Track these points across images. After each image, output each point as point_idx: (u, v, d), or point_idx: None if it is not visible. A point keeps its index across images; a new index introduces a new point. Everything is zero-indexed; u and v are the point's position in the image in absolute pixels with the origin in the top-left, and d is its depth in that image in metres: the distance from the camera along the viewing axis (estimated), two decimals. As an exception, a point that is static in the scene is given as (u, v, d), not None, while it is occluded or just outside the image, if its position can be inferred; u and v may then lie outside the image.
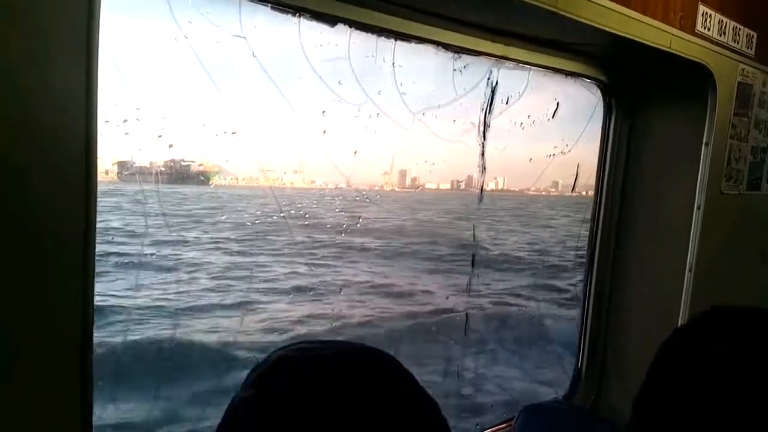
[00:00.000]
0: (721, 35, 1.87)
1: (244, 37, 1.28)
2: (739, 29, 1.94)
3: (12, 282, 0.77)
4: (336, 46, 1.39)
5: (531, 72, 1.84)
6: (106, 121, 1.15)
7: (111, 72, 1.06)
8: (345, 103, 1.61)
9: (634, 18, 1.55)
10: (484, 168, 1.95)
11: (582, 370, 2.25)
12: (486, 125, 1.87)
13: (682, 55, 1.73)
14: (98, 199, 0.85)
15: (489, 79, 1.78)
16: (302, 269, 11.93)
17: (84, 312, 0.83)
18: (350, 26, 1.37)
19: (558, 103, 2.14)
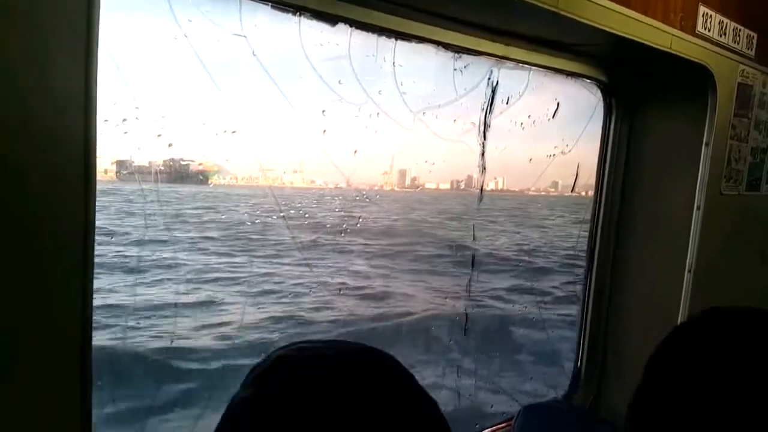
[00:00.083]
0: (721, 36, 1.87)
1: (245, 36, 1.28)
2: (740, 30, 1.94)
3: (12, 282, 0.76)
4: (336, 46, 1.39)
5: (531, 72, 1.84)
6: (105, 120, 1.15)
7: (111, 71, 1.06)
8: (345, 102, 1.61)
9: (634, 18, 1.55)
10: (484, 168, 1.95)
11: (582, 369, 2.25)
12: (486, 125, 1.87)
13: (682, 55, 1.73)
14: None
15: (489, 78, 1.78)
16: (279, 270, 11.67)
17: (83, 312, 0.83)
18: (351, 25, 1.37)
19: (558, 103, 2.14)
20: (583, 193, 2.39)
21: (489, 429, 1.98)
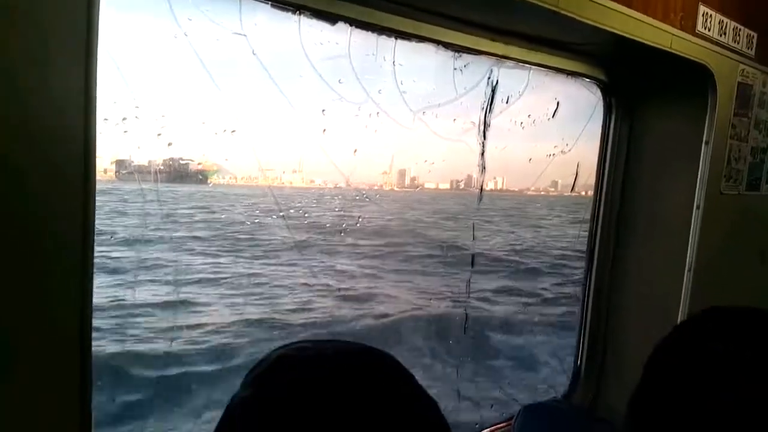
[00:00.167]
0: (721, 35, 1.87)
1: (244, 35, 1.28)
2: (740, 29, 1.94)
3: (12, 282, 0.76)
4: (336, 45, 1.39)
5: (531, 71, 1.84)
6: (105, 119, 1.15)
7: (110, 70, 1.06)
8: (345, 101, 1.60)
9: (634, 18, 1.55)
10: (483, 167, 1.95)
11: (581, 369, 2.25)
12: (486, 124, 1.87)
13: (682, 55, 1.73)
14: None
15: (489, 78, 1.78)
16: (264, 270, 11.54)
17: (82, 312, 0.83)
18: (351, 24, 1.37)
19: (558, 103, 2.14)
20: (583, 193, 2.39)
21: (489, 428, 1.99)
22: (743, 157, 2.10)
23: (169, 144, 2.17)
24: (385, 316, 9.25)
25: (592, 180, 2.20)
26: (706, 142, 1.93)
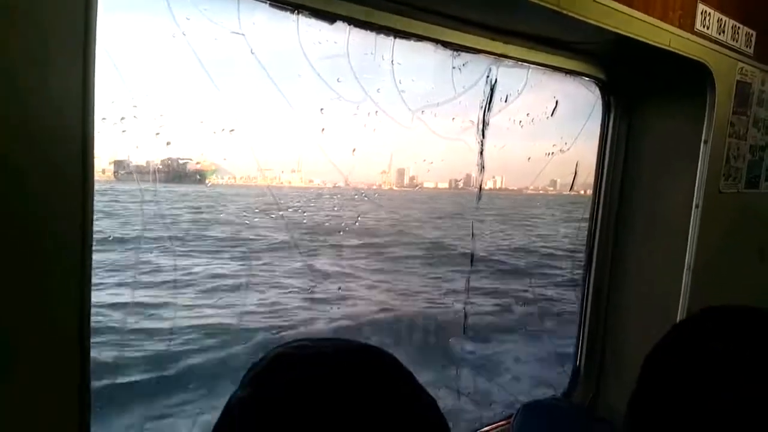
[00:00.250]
0: (720, 34, 1.87)
1: (243, 34, 1.27)
2: (738, 28, 1.94)
3: (12, 282, 0.76)
4: (335, 44, 1.39)
5: (530, 70, 1.84)
6: (103, 118, 1.14)
7: (108, 69, 1.05)
8: (344, 100, 1.60)
9: (633, 16, 1.55)
10: (482, 167, 1.95)
11: (581, 368, 2.25)
12: (485, 123, 1.87)
13: (681, 53, 1.73)
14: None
15: (488, 76, 1.78)
16: (239, 272, 11.35)
17: (81, 312, 0.83)
18: (349, 23, 1.36)
19: (557, 102, 2.13)
20: (582, 192, 2.39)
21: (488, 427, 1.99)
22: (742, 156, 2.10)
23: (168, 143, 2.17)
24: (356, 317, 9.11)
25: (591, 179, 2.20)
26: (705, 141, 1.93)
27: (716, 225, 2.00)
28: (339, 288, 10.94)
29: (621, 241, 2.19)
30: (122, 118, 1.54)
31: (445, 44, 1.57)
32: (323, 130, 1.98)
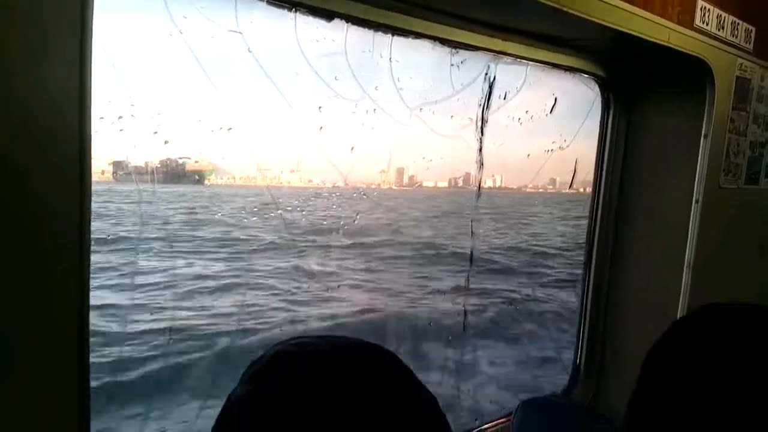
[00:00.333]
0: (719, 30, 1.86)
1: (240, 33, 1.27)
2: (738, 24, 1.94)
3: (12, 282, 0.76)
4: (333, 42, 1.38)
5: (529, 67, 1.83)
6: (101, 118, 1.14)
7: (106, 68, 1.05)
8: (342, 98, 1.60)
9: (632, 13, 1.55)
10: (481, 164, 1.94)
11: (580, 366, 2.25)
12: (484, 121, 1.86)
13: (680, 49, 1.73)
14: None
15: (486, 74, 1.77)
16: (222, 272, 11.11)
17: (81, 312, 0.83)
18: (347, 21, 1.36)
19: (556, 99, 2.13)
20: (581, 190, 2.39)
21: (488, 424, 1.99)
22: (742, 151, 2.10)
23: (166, 142, 2.16)
24: (332, 317, 9.00)
25: (591, 176, 2.20)
26: (705, 137, 1.93)
27: (716, 221, 1.99)
28: (322, 289, 10.80)
29: (621, 238, 2.18)
30: (120, 117, 1.53)
31: (444, 41, 1.57)
32: (321, 128, 1.98)
